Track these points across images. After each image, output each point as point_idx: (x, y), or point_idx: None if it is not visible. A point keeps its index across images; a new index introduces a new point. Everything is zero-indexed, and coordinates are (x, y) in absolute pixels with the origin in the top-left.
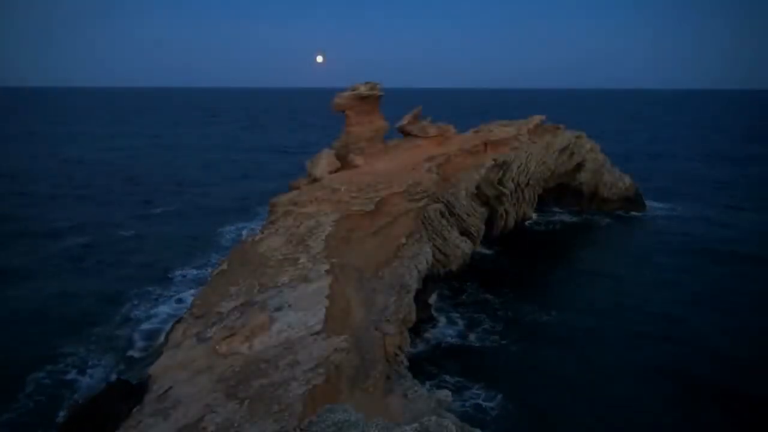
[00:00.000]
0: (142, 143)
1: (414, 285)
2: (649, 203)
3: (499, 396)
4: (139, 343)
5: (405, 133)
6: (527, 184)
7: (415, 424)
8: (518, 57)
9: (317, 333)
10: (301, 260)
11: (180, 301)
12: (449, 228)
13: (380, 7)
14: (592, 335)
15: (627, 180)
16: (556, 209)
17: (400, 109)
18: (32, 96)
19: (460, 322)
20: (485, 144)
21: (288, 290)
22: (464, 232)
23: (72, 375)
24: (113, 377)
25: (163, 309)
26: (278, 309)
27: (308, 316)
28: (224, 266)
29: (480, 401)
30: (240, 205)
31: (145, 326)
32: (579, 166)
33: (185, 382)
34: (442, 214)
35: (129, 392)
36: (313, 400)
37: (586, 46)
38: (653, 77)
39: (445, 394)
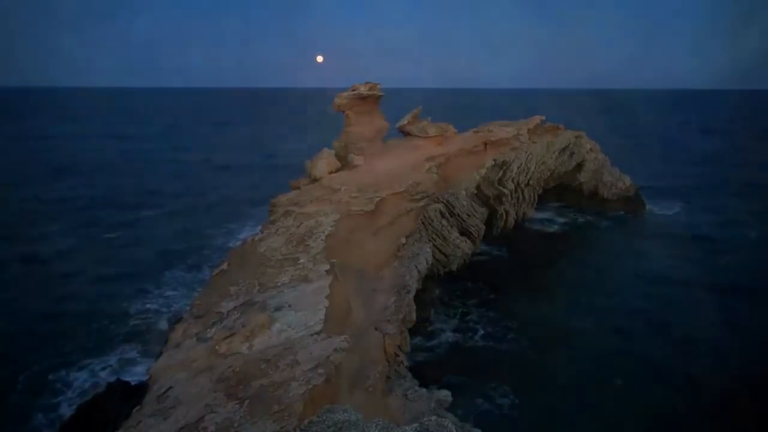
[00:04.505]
0: (132, 145)
1: (414, 285)
2: (648, 203)
3: (501, 395)
4: (138, 344)
5: (405, 133)
6: (527, 184)
7: (415, 424)
8: (518, 56)
9: (317, 333)
10: (301, 260)
11: (175, 300)
12: (449, 228)
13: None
14: (593, 334)
15: (627, 180)
16: (556, 209)
17: (400, 109)
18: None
19: (461, 322)
20: (485, 144)
21: (288, 290)
22: (464, 232)
23: (71, 375)
24: (113, 377)
25: (159, 309)
26: (278, 309)
27: (308, 316)
28: (224, 266)
29: (481, 401)
30: (231, 207)
31: (143, 327)
32: (579, 166)
33: (185, 382)
34: (442, 214)
35: (129, 392)
36: (312, 400)
37: (581, 45)
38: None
39: (445, 394)
